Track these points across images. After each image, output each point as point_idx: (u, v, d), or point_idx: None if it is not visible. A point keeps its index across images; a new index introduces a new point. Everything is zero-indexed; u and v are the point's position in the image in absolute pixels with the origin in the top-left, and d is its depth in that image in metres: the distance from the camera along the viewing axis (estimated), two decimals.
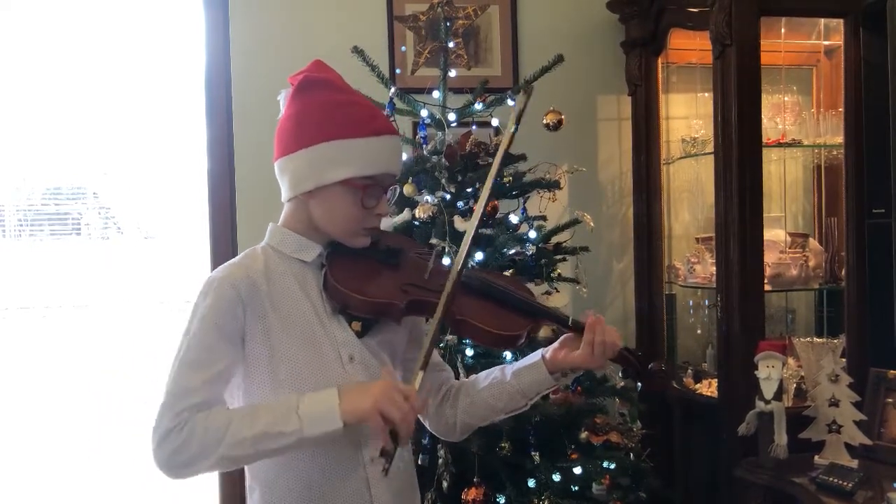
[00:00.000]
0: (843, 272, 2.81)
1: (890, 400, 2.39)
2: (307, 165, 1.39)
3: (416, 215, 2.39)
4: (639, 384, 1.63)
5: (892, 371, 2.42)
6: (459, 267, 1.41)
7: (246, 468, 1.43)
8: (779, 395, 2.32)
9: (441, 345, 2.27)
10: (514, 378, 1.50)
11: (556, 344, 1.51)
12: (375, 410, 1.25)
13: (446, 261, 1.86)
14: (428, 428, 1.61)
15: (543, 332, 2.20)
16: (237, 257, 1.44)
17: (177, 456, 1.26)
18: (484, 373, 1.57)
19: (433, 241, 2.36)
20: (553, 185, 2.57)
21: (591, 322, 1.45)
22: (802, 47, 3.05)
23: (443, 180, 2.45)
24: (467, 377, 1.67)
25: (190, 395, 1.29)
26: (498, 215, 2.51)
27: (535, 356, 1.51)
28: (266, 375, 1.37)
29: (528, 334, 1.48)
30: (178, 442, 1.26)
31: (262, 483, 1.40)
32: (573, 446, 2.37)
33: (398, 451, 1.27)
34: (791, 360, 2.68)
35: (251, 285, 1.37)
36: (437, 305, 1.38)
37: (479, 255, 2.37)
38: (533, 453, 2.31)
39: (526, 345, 1.56)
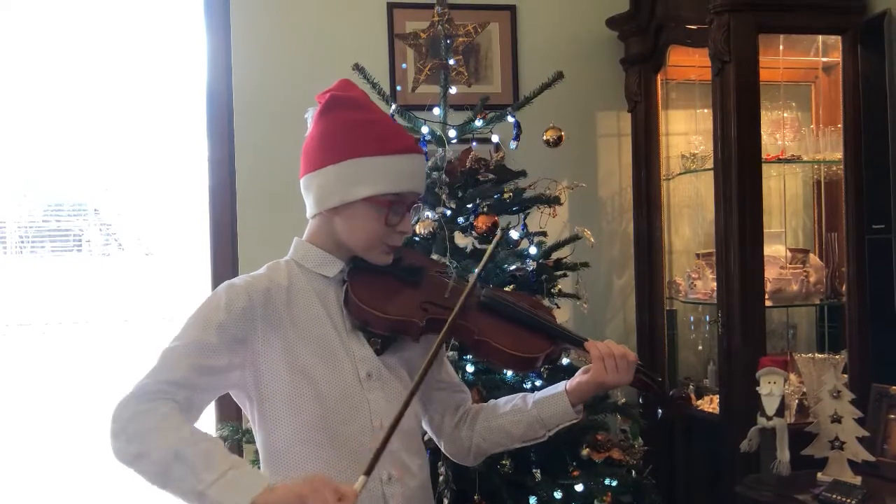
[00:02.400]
0: (844, 288, 2.81)
1: (892, 416, 2.38)
2: (333, 182, 1.40)
3: (417, 231, 2.39)
4: (659, 411, 1.61)
5: (894, 387, 2.41)
6: (465, 295, 1.39)
7: (263, 469, 1.40)
8: (781, 411, 2.31)
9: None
10: (535, 408, 1.49)
11: (577, 374, 1.50)
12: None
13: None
14: (442, 450, 1.61)
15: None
16: (261, 269, 1.44)
17: (136, 420, 1.21)
18: (504, 399, 1.56)
19: (434, 256, 2.36)
20: (553, 201, 2.57)
21: (591, 341, 1.47)
22: (801, 64, 3.06)
23: (443, 196, 2.46)
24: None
25: (172, 371, 1.26)
26: (498, 231, 2.51)
27: (558, 387, 1.51)
28: (285, 388, 1.36)
29: (546, 358, 1.47)
30: (143, 407, 1.22)
31: None
32: (575, 463, 2.36)
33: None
34: (793, 376, 2.67)
35: (269, 298, 1.37)
36: (440, 335, 1.36)
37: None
38: (534, 470, 2.30)
39: (542, 369, 1.55)
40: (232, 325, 1.32)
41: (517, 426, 1.50)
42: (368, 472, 1.21)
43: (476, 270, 1.44)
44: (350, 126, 1.41)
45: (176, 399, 1.25)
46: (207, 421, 3.00)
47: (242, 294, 1.35)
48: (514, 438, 1.52)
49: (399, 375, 1.45)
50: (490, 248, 1.50)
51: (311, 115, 1.48)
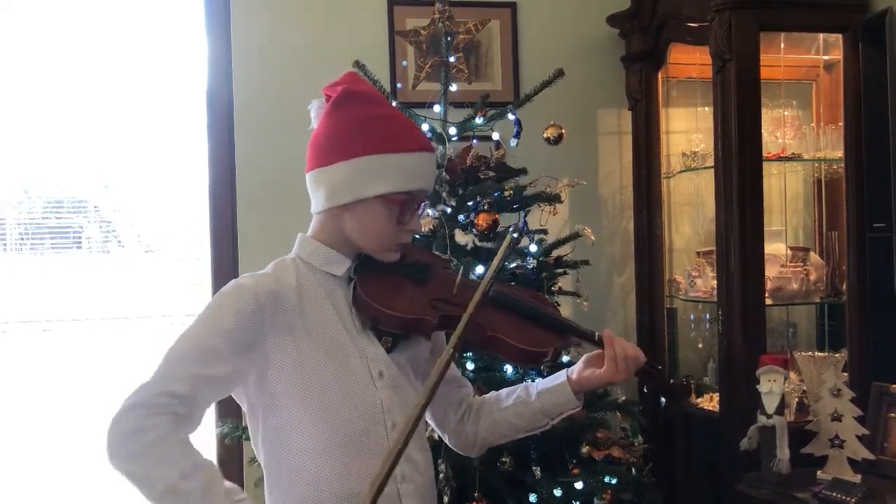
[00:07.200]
0: (845, 286, 2.81)
1: (893, 414, 2.38)
2: (346, 178, 1.38)
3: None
4: (662, 399, 1.63)
5: (894, 385, 2.41)
6: (480, 295, 1.36)
7: (267, 476, 1.40)
8: (780, 409, 2.31)
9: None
10: (538, 398, 1.50)
11: (580, 363, 1.50)
12: None
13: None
14: (446, 443, 1.61)
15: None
16: (268, 267, 1.42)
17: (132, 438, 1.20)
18: (506, 390, 1.56)
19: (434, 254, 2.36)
20: (554, 199, 2.57)
21: (608, 336, 1.46)
22: (802, 62, 3.05)
23: (444, 194, 2.46)
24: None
25: (175, 381, 1.24)
26: (499, 229, 2.51)
27: (559, 376, 1.51)
28: (296, 391, 1.34)
29: (554, 352, 1.47)
30: (140, 423, 1.20)
31: (283, 494, 1.37)
32: (574, 461, 2.36)
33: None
34: (793, 375, 2.67)
35: (278, 300, 1.34)
36: (453, 340, 1.32)
37: (479, 269, 2.37)
38: (534, 468, 2.31)
39: (550, 363, 1.56)
40: (240, 329, 1.30)
41: (521, 418, 1.51)
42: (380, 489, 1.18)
43: (491, 269, 1.38)
44: (364, 122, 1.39)
45: (177, 412, 1.23)
46: (207, 419, 3.00)
47: (251, 296, 1.32)
48: (519, 429, 1.53)
49: (407, 373, 1.44)
50: (503, 248, 1.45)
51: (315, 109, 1.46)
